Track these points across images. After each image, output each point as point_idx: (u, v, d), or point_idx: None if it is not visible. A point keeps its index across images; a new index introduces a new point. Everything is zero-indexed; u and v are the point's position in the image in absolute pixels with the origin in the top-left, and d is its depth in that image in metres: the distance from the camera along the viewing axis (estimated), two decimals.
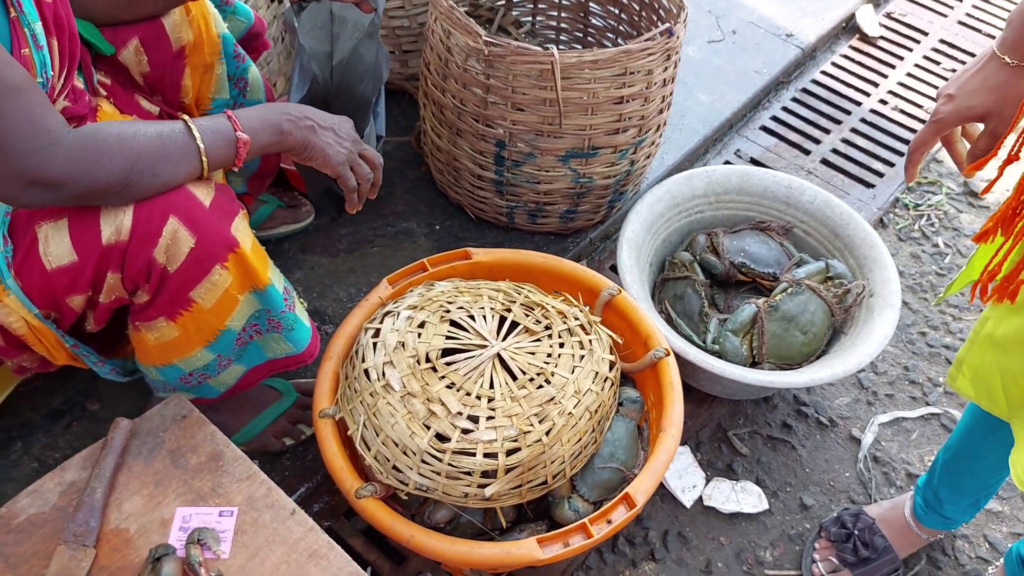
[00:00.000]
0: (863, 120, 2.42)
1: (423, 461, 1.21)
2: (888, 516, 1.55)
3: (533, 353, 1.31)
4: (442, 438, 1.22)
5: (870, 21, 2.69)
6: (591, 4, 2.07)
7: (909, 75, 2.56)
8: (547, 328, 1.35)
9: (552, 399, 1.26)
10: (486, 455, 1.21)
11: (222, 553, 1.13)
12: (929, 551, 1.59)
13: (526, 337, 1.33)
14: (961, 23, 2.76)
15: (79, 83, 1.22)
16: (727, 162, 2.26)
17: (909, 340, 1.95)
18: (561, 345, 1.33)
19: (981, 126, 1.07)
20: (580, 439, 1.29)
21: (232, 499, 1.18)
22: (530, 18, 2.17)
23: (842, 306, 1.68)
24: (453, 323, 1.34)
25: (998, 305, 1.07)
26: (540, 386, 1.27)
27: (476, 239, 1.91)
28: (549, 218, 1.87)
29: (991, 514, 1.67)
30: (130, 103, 1.34)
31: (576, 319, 1.39)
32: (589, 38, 2.13)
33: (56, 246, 1.07)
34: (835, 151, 2.32)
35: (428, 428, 1.22)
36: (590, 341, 1.36)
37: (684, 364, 1.51)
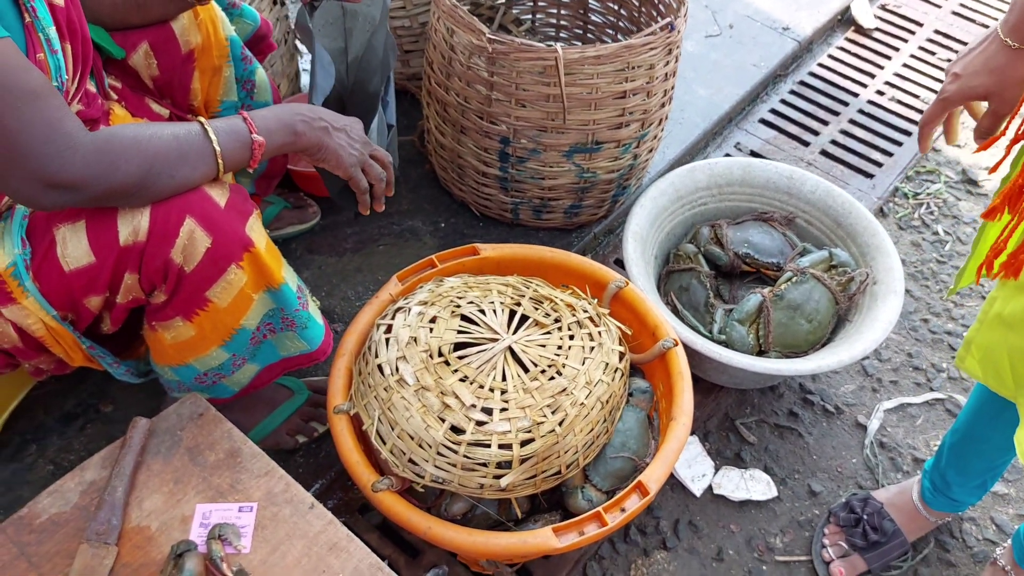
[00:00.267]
0: (861, 111, 2.44)
1: (439, 453, 1.23)
2: (896, 500, 1.57)
3: (544, 346, 1.33)
4: (457, 430, 1.23)
5: (865, 13, 2.71)
6: (591, 1, 2.08)
7: (905, 66, 2.59)
8: (557, 321, 1.37)
9: (564, 390, 1.27)
10: (501, 446, 1.22)
11: (243, 548, 1.14)
12: (937, 534, 1.61)
13: (536, 330, 1.35)
14: (955, 13, 2.78)
15: (91, 87, 1.23)
16: (727, 155, 2.28)
17: (912, 327, 1.97)
18: (571, 337, 1.35)
19: (986, 104, 1.08)
20: (592, 429, 1.30)
21: (251, 495, 1.20)
22: (530, 16, 2.19)
23: (846, 294, 1.70)
24: (464, 318, 1.36)
25: (1005, 284, 1.09)
26: (552, 378, 1.29)
27: (481, 236, 1.93)
28: (553, 213, 1.89)
29: (997, 496, 1.68)
30: (140, 106, 1.36)
31: (585, 311, 1.40)
32: (589, 35, 2.15)
33: (74, 248, 1.09)
34: (834, 142, 2.34)
35: (443, 421, 1.23)
36: (599, 333, 1.37)
37: (691, 354, 1.53)
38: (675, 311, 1.73)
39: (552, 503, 1.39)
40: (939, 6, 2.81)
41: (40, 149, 0.96)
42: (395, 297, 1.47)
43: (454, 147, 1.82)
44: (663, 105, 1.78)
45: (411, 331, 1.32)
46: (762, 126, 2.37)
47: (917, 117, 2.43)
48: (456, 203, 1.99)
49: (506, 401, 1.25)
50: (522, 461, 1.23)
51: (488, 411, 1.24)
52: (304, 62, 2.19)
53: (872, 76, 2.54)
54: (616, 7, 2.03)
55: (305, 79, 2.16)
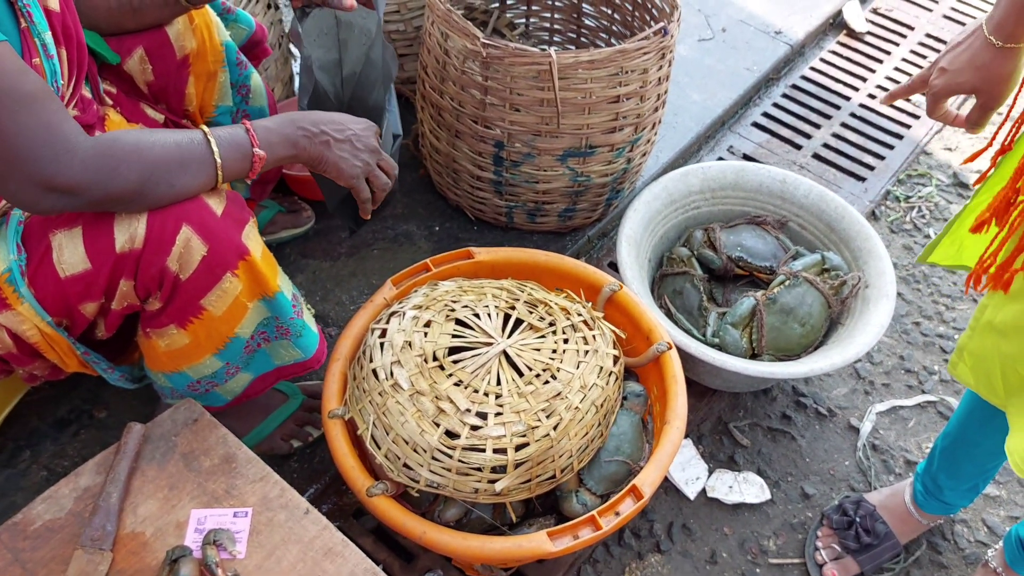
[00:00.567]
0: (852, 115, 2.45)
1: (433, 458, 1.23)
2: (888, 503, 1.58)
3: (538, 349, 1.33)
4: (452, 435, 1.24)
5: (857, 17, 2.72)
6: (584, 5, 2.09)
7: (897, 69, 2.60)
8: (551, 325, 1.37)
9: (559, 394, 1.28)
10: (495, 451, 1.23)
11: (238, 553, 1.14)
12: (929, 536, 1.62)
13: (531, 334, 1.35)
14: (946, 17, 2.80)
15: (87, 92, 1.23)
16: (720, 159, 2.29)
17: (904, 330, 1.98)
18: (565, 341, 1.35)
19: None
20: (587, 433, 1.31)
21: (246, 500, 1.20)
22: (524, 20, 2.19)
23: (839, 297, 1.71)
24: (458, 322, 1.36)
25: (995, 293, 1.09)
26: (546, 382, 1.29)
27: (475, 239, 1.93)
28: (548, 217, 1.89)
29: (989, 499, 1.70)
30: (135, 111, 1.36)
31: (579, 315, 1.41)
32: (582, 39, 2.15)
33: (70, 254, 1.08)
34: (826, 146, 2.36)
35: (438, 425, 1.23)
36: (593, 337, 1.38)
37: (685, 358, 1.54)
38: (669, 314, 1.74)
39: (546, 507, 1.40)
40: (930, 10, 2.82)
41: (38, 152, 0.96)
42: (390, 301, 1.47)
43: (449, 151, 1.83)
44: (656, 109, 1.79)
45: (406, 335, 1.32)
46: (755, 130, 2.38)
47: (909, 121, 2.44)
48: (451, 207, 1.99)
49: (501, 405, 1.25)
50: (517, 466, 1.24)
51: (483, 415, 1.25)
52: (298, 66, 2.19)
53: (864, 80, 2.56)
54: (609, 11, 2.04)
55: (299, 82, 2.16)
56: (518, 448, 1.23)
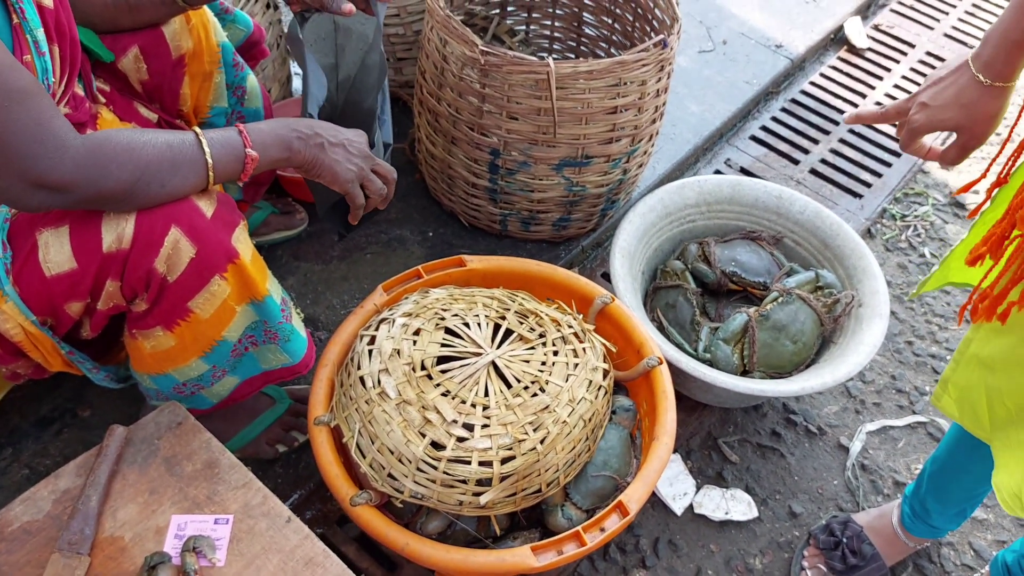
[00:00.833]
0: (851, 131, 2.44)
1: (418, 469, 1.22)
2: (876, 524, 1.57)
3: (527, 361, 1.32)
4: (437, 446, 1.22)
5: (858, 33, 2.72)
6: (585, 14, 2.08)
7: (896, 87, 2.60)
8: (541, 336, 1.36)
9: (546, 407, 1.27)
10: (481, 463, 1.21)
11: (218, 561, 1.13)
12: (916, 559, 1.61)
13: (520, 345, 1.34)
14: (947, 36, 2.80)
15: (79, 90, 1.22)
16: (717, 171, 2.28)
17: (896, 349, 1.98)
18: (555, 353, 1.34)
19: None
20: (574, 447, 1.30)
21: (228, 507, 1.18)
22: (524, 27, 2.18)
23: (831, 316, 1.70)
24: (448, 331, 1.35)
25: (980, 327, 1.08)
26: (534, 394, 1.28)
27: (469, 246, 1.92)
28: (542, 226, 1.88)
29: (976, 522, 1.69)
30: (129, 110, 1.34)
31: (570, 327, 1.40)
32: (582, 47, 2.15)
33: (56, 253, 1.07)
34: (824, 161, 2.35)
35: (423, 436, 1.22)
36: (584, 349, 1.37)
37: (675, 372, 1.53)
38: (661, 328, 1.73)
39: (531, 520, 1.38)
40: (932, 28, 2.82)
41: (28, 148, 0.95)
42: (380, 308, 1.46)
43: (444, 157, 1.82)
44: (654, 121, 1.78)
45: (394, 343, 1.31)
46: (753, 143, 2.38)
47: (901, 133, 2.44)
48: (445, 213, 1.98)
49: (488, 417, 1.24)
50: (502, 479, 1.22)
51: (469, 427, 1.23)
52: (296, 66, 2.18)
53: (863, 96, 2.56)
54: (610, 21, 2.03)
55: (296, 83, 2.14)
56: (504, 461, 1.22)
